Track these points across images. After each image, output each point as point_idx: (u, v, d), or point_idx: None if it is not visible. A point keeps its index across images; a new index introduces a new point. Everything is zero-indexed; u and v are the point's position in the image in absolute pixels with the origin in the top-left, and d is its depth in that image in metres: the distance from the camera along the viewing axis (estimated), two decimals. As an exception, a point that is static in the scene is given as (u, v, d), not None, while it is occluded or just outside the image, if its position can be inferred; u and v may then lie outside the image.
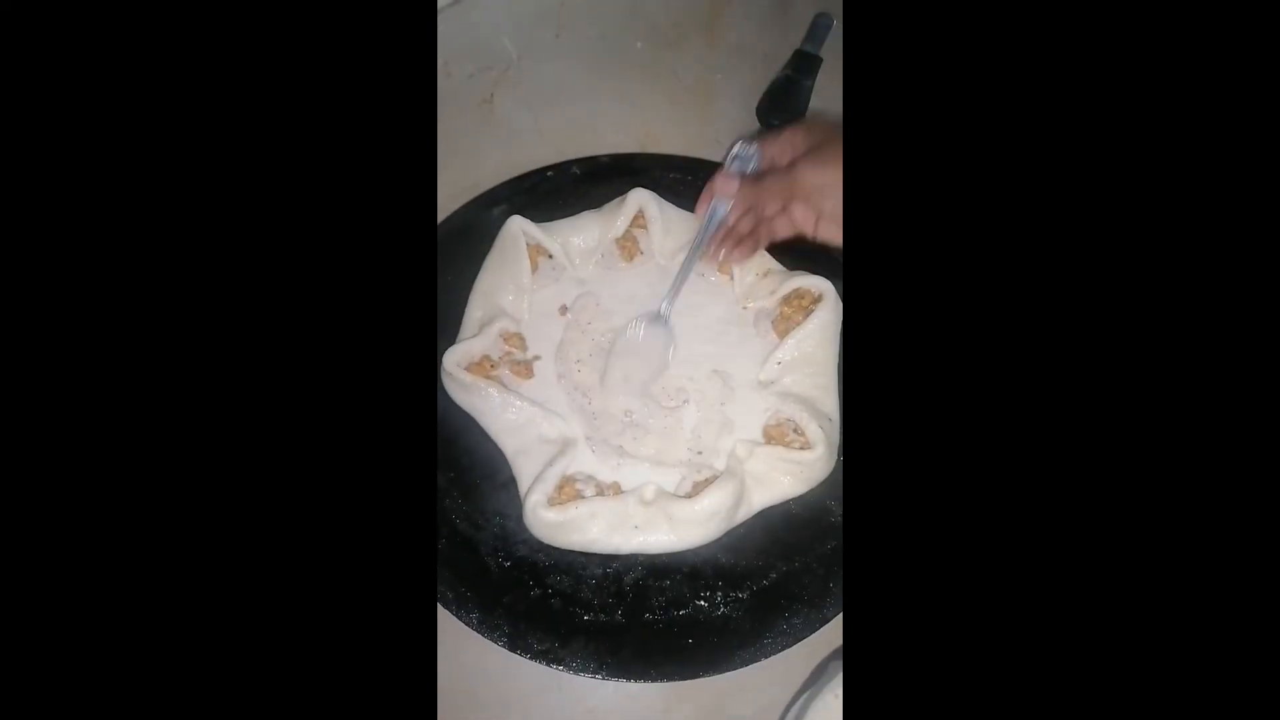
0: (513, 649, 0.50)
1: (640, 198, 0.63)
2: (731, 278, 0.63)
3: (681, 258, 0.63)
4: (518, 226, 0.61)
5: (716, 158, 0.69)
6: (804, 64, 0.75)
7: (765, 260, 0.63)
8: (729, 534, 0.54)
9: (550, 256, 0.63)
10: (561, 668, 0.50)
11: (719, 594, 0.53)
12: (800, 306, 0.60)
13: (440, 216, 0.65)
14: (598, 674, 0.50)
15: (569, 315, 0.62)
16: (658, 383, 0.59)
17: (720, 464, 0.56)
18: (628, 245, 0.64)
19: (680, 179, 0.67)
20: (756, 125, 0.72)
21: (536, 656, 0.50)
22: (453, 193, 0.66)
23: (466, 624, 0.51)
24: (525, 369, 0.59)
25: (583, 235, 0.64)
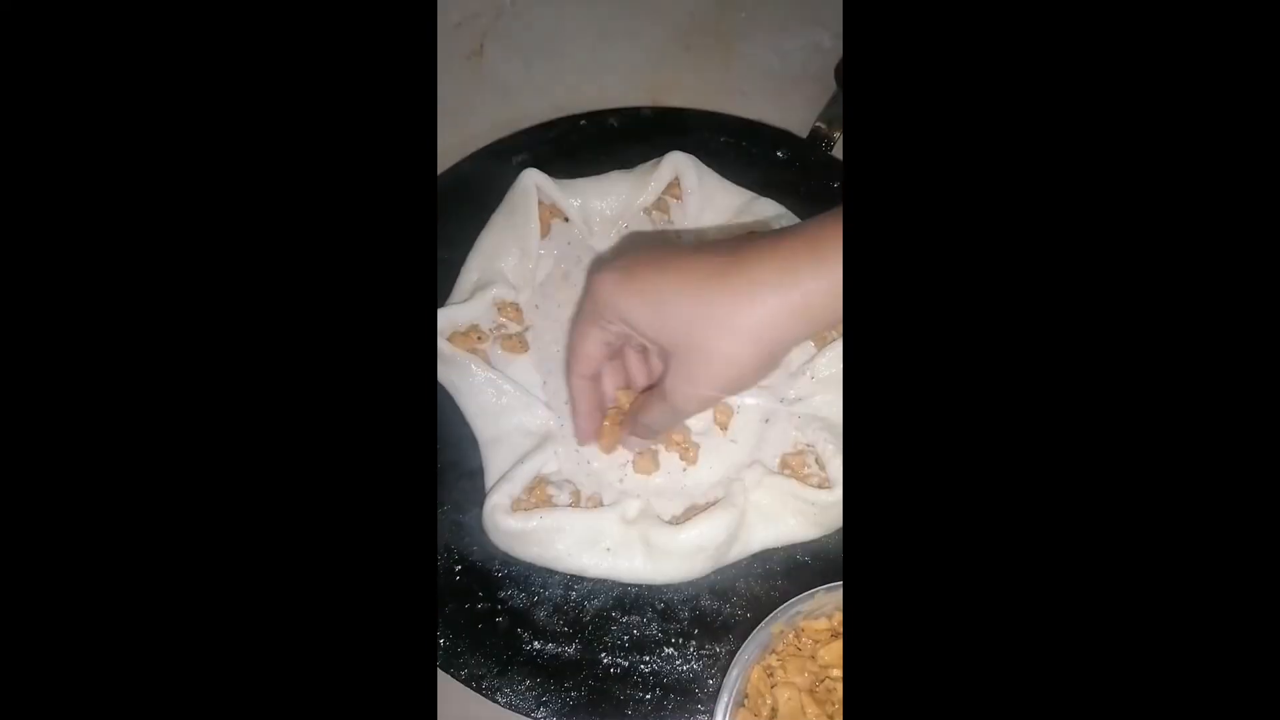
0: (444, 667, 0.44)
1: (678, 162, 0.54)
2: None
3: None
4: (531, 181, 0.53)
5: (739, 110, 0.59)
6: None
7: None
8: (718, 573, 0.46)
9: (566, 220, 0.55)
10: (494, 699, 0.43)
11: (693, 644, 0.45)
12: (848, 314, 0.50)
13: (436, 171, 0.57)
14: (533, 714, 0.43)
15: (577, 291, 0.53)
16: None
17: (721, 490, 0.47)
18: (659, 217, 0.55)
19: (733, 144, 0.57)
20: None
21: (468, 681, 0.43)
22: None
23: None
24: (518, 343, 0.52)
25: (608, 199, 0.55)
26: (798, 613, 0.41)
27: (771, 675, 0.41)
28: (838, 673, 0.40)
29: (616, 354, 0.44)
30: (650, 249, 0.43)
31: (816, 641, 0.42)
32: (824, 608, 0.42)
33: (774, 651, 0.41)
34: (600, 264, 0.38)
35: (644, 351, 0.44)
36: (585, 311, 0.41)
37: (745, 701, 0.40)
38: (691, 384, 0.38)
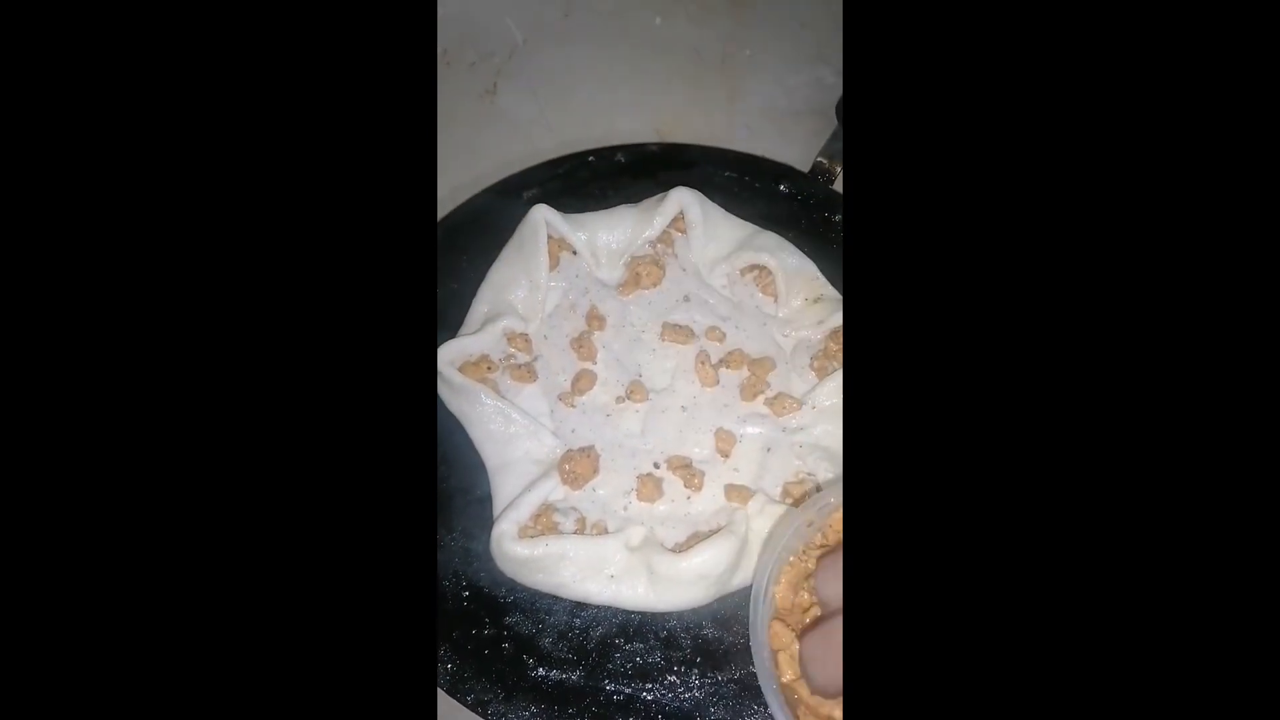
0: (451, 692, 0.45)
1: (683, 197, 0.55)
2: (776, 299, 0.54)
3: (723, 269, 0.55)
4: (540, 216, 0.55)
5: (742, 145, 0.61)
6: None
7: (817, 284, 0.54)
8: (720, 601, 0.47)
9: (574, 253, 0.56)
10: (499, 725, 0.44)
11: (694, 672, 0.45)
12: (849, 344, 0.51)
13: (449, 208, 0.58)
14: (537, 741, 0.43)
15: (584, 322, 0.55)
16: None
17: (724, 518, 0.48)
18: (663, 250, 0.56)
19: (736, 178, 0.59)
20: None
21: (474, 706, 0.44)
22: (448, 193, 0.60)
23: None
24: (527, 373, 0.53)
25: (614, 232, 0.56)
26: (827, 505, 0.42)
27: (796, 591, 0.41)
28: None
29: None
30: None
31: (840, 532, 0.42)
32: None
33: (802, 553, 0.42)
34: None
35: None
36: None
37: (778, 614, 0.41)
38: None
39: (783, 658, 0.39)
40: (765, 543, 0.45)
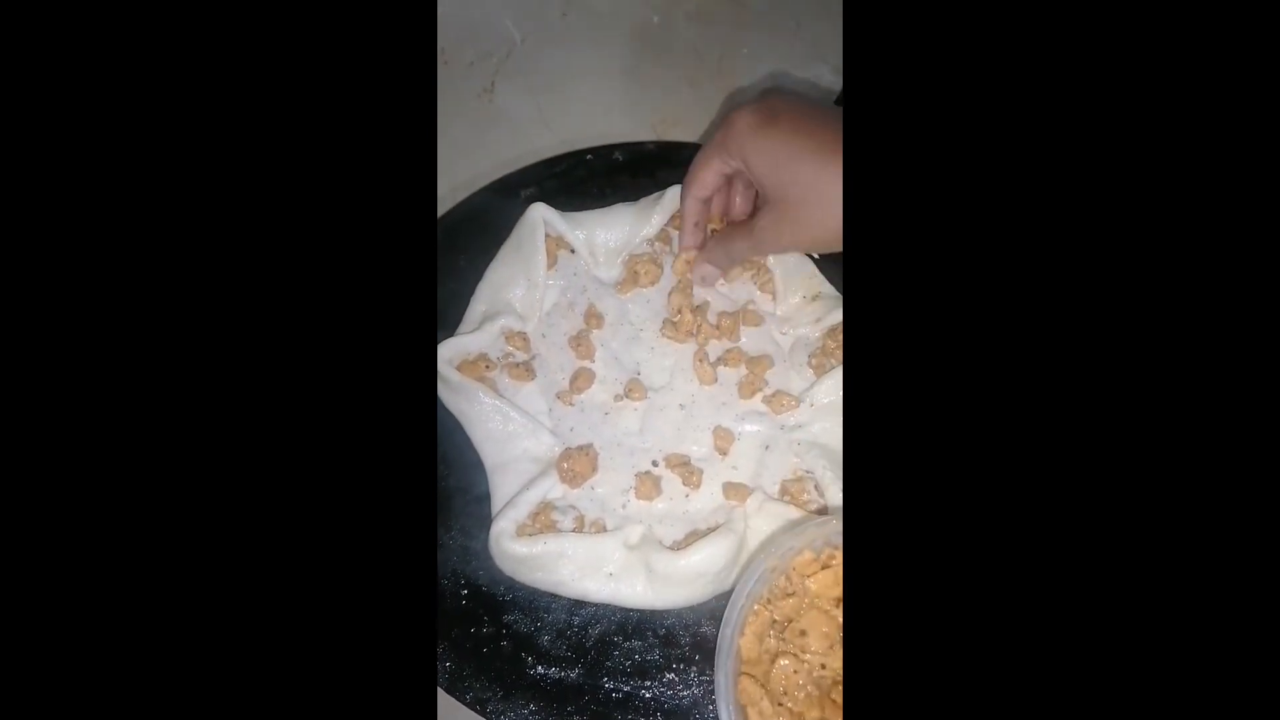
0: (450, 690, 0.45)
1: (680, 195, 0.55)
2: (774, 297, 0.54)
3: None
4: (538, 215, 0.55)
5: None
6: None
7: (815, 282, 0.54)
8: (719, 599, 0.47)
9: (572, 251, 0.56)
10: (498, 723, 0.44)
11: (693, 670, 0.45)
12: (847, 342, 0.51)
13: (447, 207, 0.58)
14: (536, 739, 0.43)
15: (582, 321, 0.55)
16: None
17: (723, 515, 0.48)
18: (660, 247, 0.56)
19: (734, 177, 0.59)
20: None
21: (473, 704, 0.44)
22: (446, 192, 0.59)
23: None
24: (525, 372, 0.53)
25: (612, 231, 0.56)
26: (790, 549, 0.42)
27: (762, 640, 0.42)
28: (825, 603, 0.42)
29: (726, 181, 0.49)
30: (794, 103, 0.45)
31: (805, 576, 0.43)
32: (813, 544, 0.43)
33: (767, 600, 0.42)
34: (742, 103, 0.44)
35: (751, 188, 0.50)
36: (715, 141, 0.46)
37: (743, 668, 0.41)
38: (777, 234, 0.44)
39: (752, 713, 0.40)
40: (732, 595, 0.44)
